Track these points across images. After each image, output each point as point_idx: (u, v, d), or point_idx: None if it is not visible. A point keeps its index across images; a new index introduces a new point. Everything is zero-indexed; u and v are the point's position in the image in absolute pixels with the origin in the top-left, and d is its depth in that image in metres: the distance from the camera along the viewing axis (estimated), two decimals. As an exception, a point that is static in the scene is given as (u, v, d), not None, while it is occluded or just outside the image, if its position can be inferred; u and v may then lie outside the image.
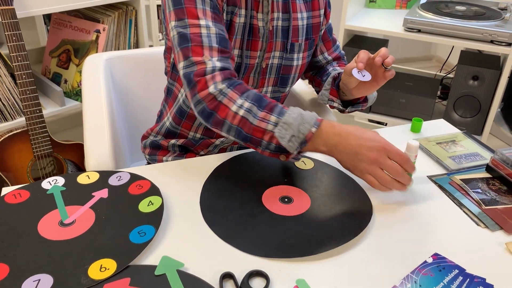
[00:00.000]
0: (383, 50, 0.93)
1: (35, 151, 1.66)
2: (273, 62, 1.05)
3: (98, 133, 1.10)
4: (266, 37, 1.01)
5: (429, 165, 1.01)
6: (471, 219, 0.84)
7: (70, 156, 1.76)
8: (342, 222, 0.80)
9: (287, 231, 0.78)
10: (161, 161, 1.14)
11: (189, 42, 0.89)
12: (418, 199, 0.89)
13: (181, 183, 0.91)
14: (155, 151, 1.16)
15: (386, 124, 2.39)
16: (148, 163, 1.19)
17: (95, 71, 1.28)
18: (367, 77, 0.94)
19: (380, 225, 0.82)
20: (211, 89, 0.86)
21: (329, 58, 1.19)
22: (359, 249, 0.76)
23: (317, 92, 1.21)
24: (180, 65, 0.90)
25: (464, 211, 0.86)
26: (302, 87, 1.39)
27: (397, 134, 1.13)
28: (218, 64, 0.88)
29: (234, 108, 0.86)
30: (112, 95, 1.27)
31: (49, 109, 1.81)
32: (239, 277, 0.69)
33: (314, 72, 1.23)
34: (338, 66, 1.18)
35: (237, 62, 1.00)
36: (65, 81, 1.91)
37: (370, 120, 2.34)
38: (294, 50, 1.06)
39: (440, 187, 0.93)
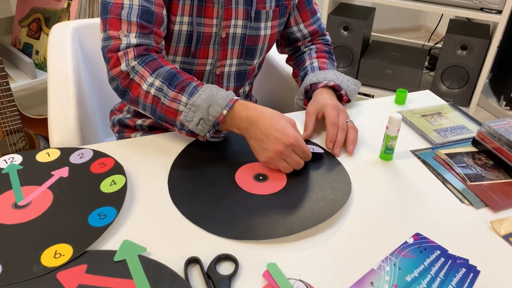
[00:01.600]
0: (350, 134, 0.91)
1: (3, 126, 1.58)
2: (235, 31, 0.96)
3: (63, 107, 1.03)
4: (222, 3, 0.92)
5: (412, 139, 0.96)
6: (455, 195, 0.80)
7: (42, 131, 1.69)
8: (318, 201, 0.75)
9: (259, 211, 0.73)
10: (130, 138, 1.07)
11: (108, 14, 0.86)
12: (400, 175, 0.84)
13: (148, 161, 0.85)
14: (123, 128, 1.09)
15: (373, 96, 2.33)
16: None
17: (62, 41, 1.20)
18: (317, 150, 0.87)
19: (359, 203, 0.77)
20: (123, 66, 0.84)
21: (305, 31, 1.09)
22: (335, 230, 0.71)
23: (294, 78, 1.15)
24: (100, 36, 0.87)
25: (448, 187, 0.82)
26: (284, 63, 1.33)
27: (380, 106, 1.07)
28: (134, 41, 0.84)
29: (145, 86, 0.83)
30: (81, 66, 1.19)
31: (20, 82, 1.73)
32: (206, 262, 0.64)
33: (291, 51, 1.15)
34: (317, 56, 1.09)
35: (188, 30, 0.92)
36: (37, 52, 1.82)
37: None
38: (260, 19, 0.98)
39: (424, 162, 0.88)
